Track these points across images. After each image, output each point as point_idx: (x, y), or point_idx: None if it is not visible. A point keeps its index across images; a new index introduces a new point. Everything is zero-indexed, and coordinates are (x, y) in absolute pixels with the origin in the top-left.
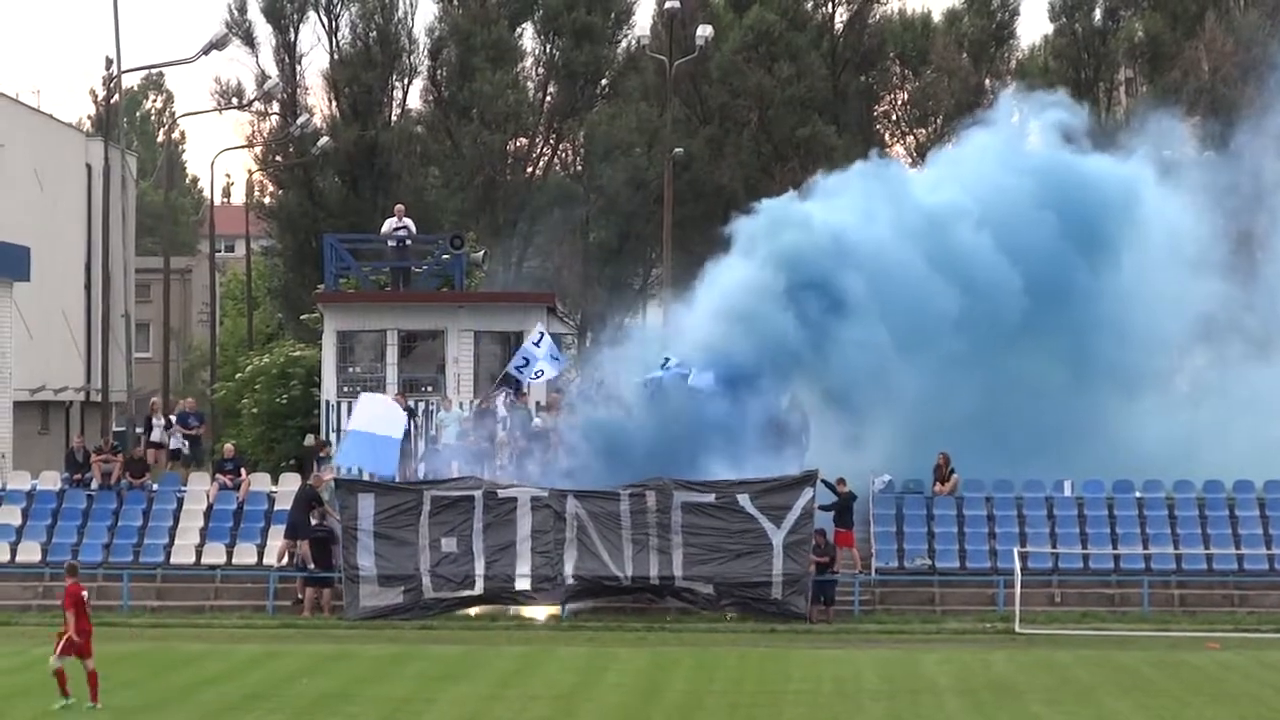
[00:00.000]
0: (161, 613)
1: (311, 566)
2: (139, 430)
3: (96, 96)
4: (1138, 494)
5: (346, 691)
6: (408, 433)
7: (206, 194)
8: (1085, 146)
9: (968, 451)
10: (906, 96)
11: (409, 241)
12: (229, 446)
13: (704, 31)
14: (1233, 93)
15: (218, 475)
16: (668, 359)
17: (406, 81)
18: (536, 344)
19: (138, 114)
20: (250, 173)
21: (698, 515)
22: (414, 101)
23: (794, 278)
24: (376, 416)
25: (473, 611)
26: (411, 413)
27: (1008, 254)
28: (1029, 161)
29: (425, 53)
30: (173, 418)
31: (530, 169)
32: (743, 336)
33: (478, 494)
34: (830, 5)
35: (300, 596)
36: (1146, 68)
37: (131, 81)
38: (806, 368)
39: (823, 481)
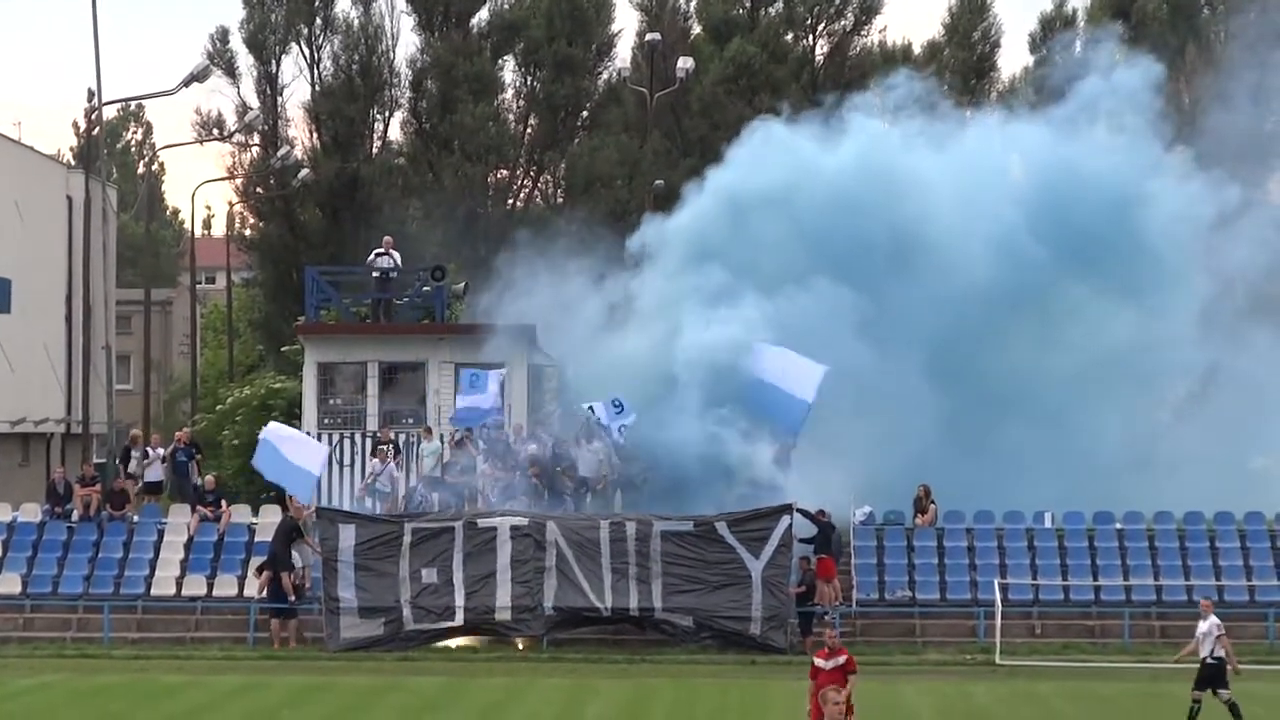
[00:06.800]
0: (142, 644)
1: (293, 599)
2: (119, 462)
3: (78, 128)
4: (1118, 525)
5: None
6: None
7: (187, 226)
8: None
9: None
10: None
11: (394, 274)
12: (210, 478)
13: (684, 63)
14: (1213, 124)
15: (198, 507)
16: (590, 406)
17: (388, 113)
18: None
19: (118, 145)
20: (231, 204)
21: (676, 544)
22: (395, 133)
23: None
24: (298, 449)
25: (453, 643)
26: (395, 447)
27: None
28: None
29: (407, 85)
30: (164, 450)
31: (511, 201)
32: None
33: (458, 525)
34: (810, 37)
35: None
36: None
37: (112, 113)
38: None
39: (800, 511)
